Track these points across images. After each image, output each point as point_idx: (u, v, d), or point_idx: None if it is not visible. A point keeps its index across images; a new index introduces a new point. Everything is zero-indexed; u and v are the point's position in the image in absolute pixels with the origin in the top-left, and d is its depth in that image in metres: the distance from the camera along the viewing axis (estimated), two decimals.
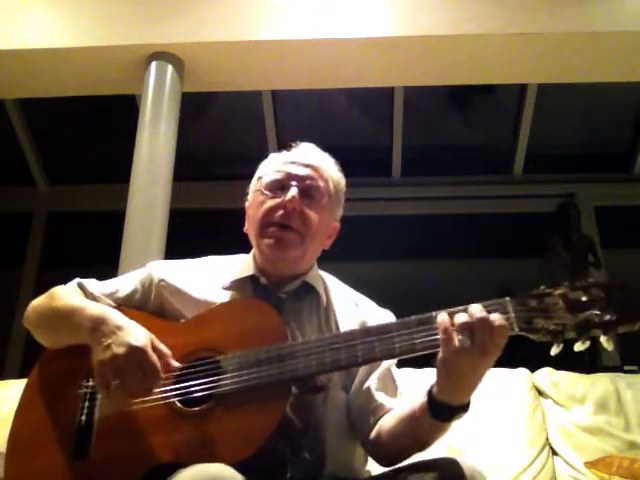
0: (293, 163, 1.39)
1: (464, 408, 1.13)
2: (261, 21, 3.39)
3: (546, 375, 2.16)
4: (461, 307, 1.08)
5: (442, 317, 1.07)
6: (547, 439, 2.01)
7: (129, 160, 3.20)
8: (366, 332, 1.15)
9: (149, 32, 3.39)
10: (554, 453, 1.99)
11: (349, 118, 4.54)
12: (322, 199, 1.37)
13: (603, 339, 1.04)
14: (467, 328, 1.04)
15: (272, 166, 1.41)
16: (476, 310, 1.06)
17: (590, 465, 1.86)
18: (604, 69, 3.51)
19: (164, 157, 3.21)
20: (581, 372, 2.21)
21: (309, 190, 1.36)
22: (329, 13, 3.40)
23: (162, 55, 3.36)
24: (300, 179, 1.36)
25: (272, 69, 3.53)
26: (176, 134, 3.32)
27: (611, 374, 2.21)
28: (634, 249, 4.40)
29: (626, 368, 2.96)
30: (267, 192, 1.37)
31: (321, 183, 1.38)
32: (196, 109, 4.18)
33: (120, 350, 1.15)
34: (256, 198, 1.40)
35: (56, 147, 4.68)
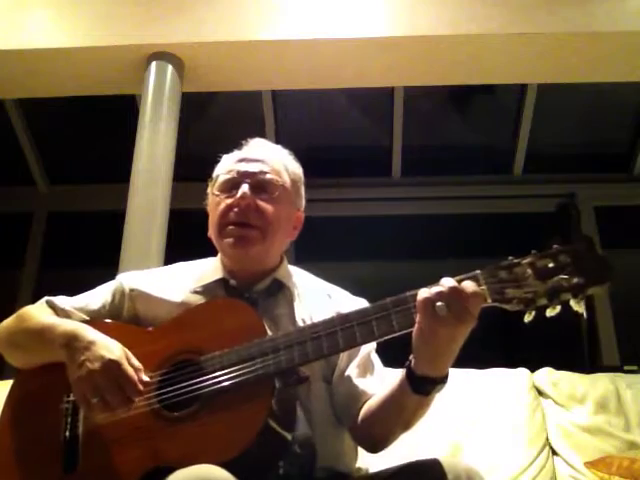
0: (242, 160, 1.41)
1: (443, 380, 1.14)
2: (261, 21, 3.39)
3: (546, 375, 2.16)
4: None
5: (422, 289, 1.10)
6: (547, 439, 2.01)
7: (129, 160, 3.20)
8: (344, 318, 1.16)
9: (149, 32, 3.38)
10: (554, 453, 1.99)
11: (349, 118, 4.53)
12: (275, 191, 1.38)
13: (573, 302, 1.06)
14: (442, 297, 1.06)
15: (223, 167, 1.44)
16: (448, 281, 1.09)
17: (590, 465, 1.87)
18: (604, 69, 3.51)
19: (164, 157, 3.21)
20: (581, 372, 2.22)
21: (262, 184, 1.37)
22: (329, 13, 3.40)
23: (162, 55, 3.36)
24: (250, 175, 1.38)
25: (272, 69, 3.53)
26: (176, 134, 3.32)
27: (611, 374, 2.22)
28: (634, 249, 4.40)
29: (626, 368, 2.96)
30: (220, 193, 1.39)
31: (273, 176, 1.39)
32: (196, 109, 4.18)
33: (95, 366, 1.15)
34: (212, 201, 1.42)
35: (56, 147, 4.67)
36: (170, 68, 3.36)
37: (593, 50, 3.36)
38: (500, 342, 3.91)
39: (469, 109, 4.61)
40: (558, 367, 2.22)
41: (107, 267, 2.82)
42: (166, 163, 3.21)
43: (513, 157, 4.52)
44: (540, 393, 2.12)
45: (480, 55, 3.42)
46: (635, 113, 4.47)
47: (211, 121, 4.43)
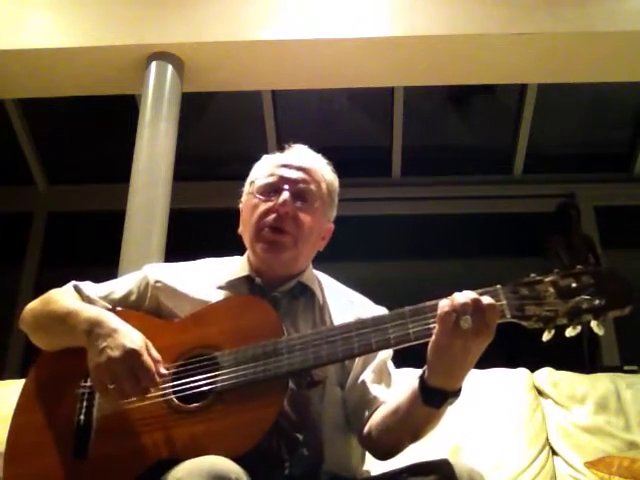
0: (285, 166, 1.41)
1: (456, 394, 1.14)
2: (261, 21, 3.39)
3: (546, 375, 2.16)
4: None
5: (444, 301, 1.09)
6: (547, 439, 2.01)
7: (129, 160, 3.20)
8: (361, 324, 1.16)
9: (149, 32, 3.39)
10: (554, 453, 1.99)
11: (349, 118, 4.53)
12: (314, 202, 1.39)
13: (594, 324, 1.06)
14: (466, 309, 1.06)
15: (265, 169, 1.43)
16: (470, 293, 1.08)
17: (590, 465, 1.86)
18: (604, 69, 3.51)
19: (164, 157, 3.21)
20: (581, 372, 2.22)
21: (301, 193, 1.38)
22: (329, 13, 3.40)
23: (162, 55, 3.36)
24: (292, 182, 1.38)
25: (272, 69, 3.53)
26: (176, 134, 3.32)
27: (611, 374, 2.21)
28: (634, 249, 4.40)
29: (626, 368, 2.96)
30: (260, 196, 1.39)
31: (313, 186, 1.39)
32: (196, 109, 4.18)
33: (116, 353, 1.16)
34: (249, 201, 1.41)
35: (56, 147, 4.68)
36: (170, 68, 3.36)
37: (593, 50, 3.36)
38: (500, 342, 3.90)
39: (469, 109, 4.61)
40: (558, 367, 2.22)
41: (107, 267, 2.82)
42: (166, 163, 3.21)
43: (513, 157, 4.52)
44: (540, 393, 2.12)
45: (480, 55, 3.42)
46: (635, 113, 4.47)
47: (211, 121, 4.43)
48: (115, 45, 3.36)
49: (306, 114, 4.51)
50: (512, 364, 2.25)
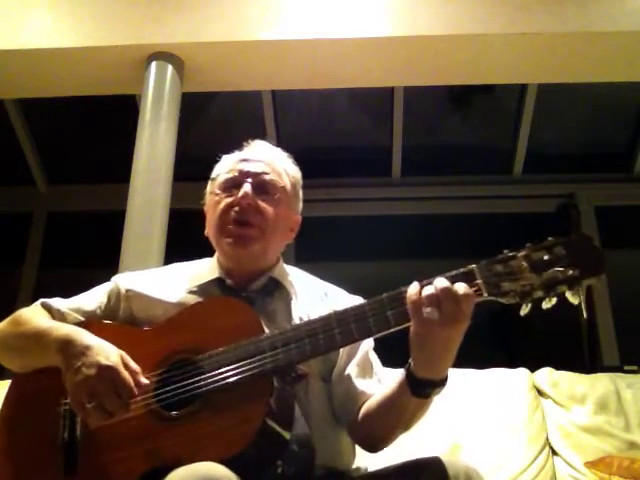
0: (245, 161, 1.41)
1: (442, 382, 1.15)
2: (261, 21, 3.39)
3: (546, 375, 2.16)
4: (429, 279, 1.11)
5: (411, 290, 1.09)
6: (547, 439, 2.01)
7: (129, 160, 3.20)
8: (341, 315, 1.16)
9: (149, 32, 3.38)
10: (554, 453, 2.00)
11: (349, 118, 4.53)
12: (277, 193, 1.39)
13: (569, 294, 1.06)
14: (433, 300, 1.06)
15: (225, 166, 1.44)
16: (440, 282, 1.08)
17: (590, 465, 1.87)
18: (604, 69, 3.51)
19: (164, 157, 3.21)
20: (581, 372, 2.22)
21: (263, 185, 1.38)
22: (329, 13, 3.40)
23: (162, 55, 3.36)
24: (253, 175, 1.38)
25: (272, 69, 3.52)
26: (176, 134, 3.32)
27: (611, 374, 2.22)
28: (634, 249, 4.40)
29: (626, 368, 2.96)
30: (220, 192, 1.39)
31: (274, 177, 1.40)
32: (196, 109, 4.18)
33: (91, 371, 1.14)
34: (211, 200, 1.42)
35: (56, 147, 4.67)
36: (170, 68, 3.35)
37: (593, 50, 3.36)
38: (500, 342, 3.91)
39: (469, 109, 4.61)
40: (558, 367, 2.22)
41: (107, 267, 2.81)
42: (166, 163, 3.21)
43: (513, 157, 4.52)
44: (540, 393, 2.13)
45: (480, 55, 3.42)
46: (635, 113, 4.47)
47: (211, 121, 4.43)
48: (115, 45, 3.35)
49: (306, 114, 4.51)
50: (512, 364, 2.25)
